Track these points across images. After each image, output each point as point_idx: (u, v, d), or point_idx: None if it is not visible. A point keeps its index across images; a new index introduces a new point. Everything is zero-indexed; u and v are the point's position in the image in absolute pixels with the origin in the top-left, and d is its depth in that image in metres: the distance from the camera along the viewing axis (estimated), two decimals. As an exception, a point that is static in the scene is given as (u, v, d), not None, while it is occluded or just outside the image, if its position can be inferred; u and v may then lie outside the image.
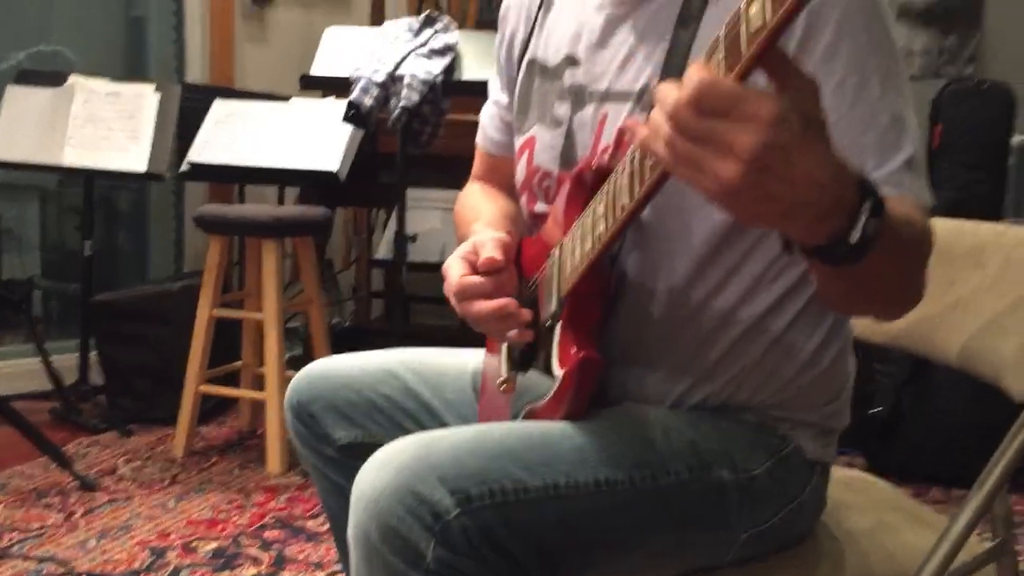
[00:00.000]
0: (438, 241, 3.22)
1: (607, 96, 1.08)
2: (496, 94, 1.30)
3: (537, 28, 1.19)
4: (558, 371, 0.99)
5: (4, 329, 2.90)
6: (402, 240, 2.66)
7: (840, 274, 0.79)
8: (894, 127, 0.95)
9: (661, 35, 1.03)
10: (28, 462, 2.59)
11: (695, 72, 0.69)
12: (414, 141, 2.64)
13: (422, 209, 3.26)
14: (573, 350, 0.97)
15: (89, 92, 2.97)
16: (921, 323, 1.32)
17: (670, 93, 0.70)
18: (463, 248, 1.09)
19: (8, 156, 2.92)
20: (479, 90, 2.69)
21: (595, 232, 0.92)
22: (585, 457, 0.96)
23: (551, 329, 1.02)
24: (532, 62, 1.19)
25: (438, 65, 2.58)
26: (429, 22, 2.70)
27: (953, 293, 1.23)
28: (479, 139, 1.35)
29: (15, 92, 2.97)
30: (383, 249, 3.35)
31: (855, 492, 1.24)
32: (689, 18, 1.01)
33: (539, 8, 1.20)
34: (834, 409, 1.10)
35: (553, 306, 1.01)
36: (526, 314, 1.03)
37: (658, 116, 0.71)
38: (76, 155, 2.90)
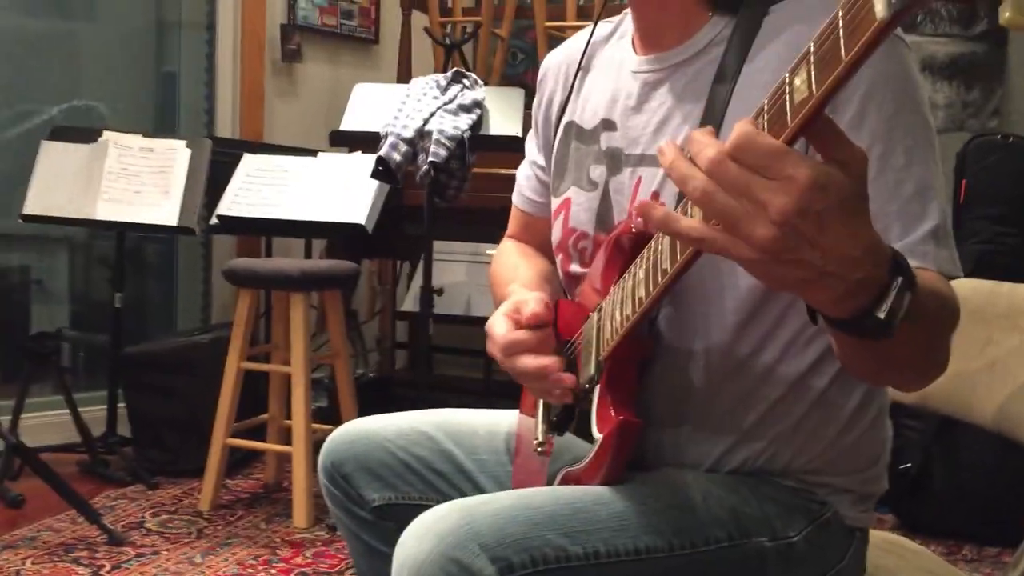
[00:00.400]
0: (463, 293, 3.24)
1: (642, 160, 1.09)
2: (533, 155, 1.32)
3: (575, 91, 1.22)
4: (597, 434, 0.99)
5: (33, 381, 2.92)
6: (428, 293, 2.67)
7: (865, 347, 0.79)
8: (919, 197, 0.95)
9: (697, 99, 1.05)
10: (56, 515, 2.60)
11: (739, 126, 0.68)
12: (441, 195, 2.67)
13: (447, 262, 3.29)
14: (612, 413, 0.97)
15: (123, 148, 3.02)
16: (955, 384, 1.31)
17: (708, 143, 0.69)
18: (505, 307, 1.11)
19: (43, 210, 2.97)
20: (504, 145, 2.74)
21: (635, 296, 0.93)
22: (625, 524, 0.96)
23: (589, 392, 1.03)
24: (570, 124, 1.21)
25: (465, 121, 2.61)
26: (457, 78, 2.74)
27: (988, 354, 1.23)
28: (515, 198, 1.37)
29: (50, 148, 3.03)
30: (409, 301, 3.37)
31: (893, 556, 1.22)
32: (725, 80, 1.02)
33: (577, 71, 1.22)
34: (874, 474, 1.09)
35: (592, 369, 1.02)
36: (569, 378, 1.04)
37: (689, 169, 0.70)
38: (110, 209, 2.94)
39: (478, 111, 2.68)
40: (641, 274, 0.92)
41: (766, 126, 0.70)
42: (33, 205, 2.97)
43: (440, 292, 2.80)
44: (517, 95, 2.77)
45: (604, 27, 1.24)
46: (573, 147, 1.19)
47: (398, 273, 4.16)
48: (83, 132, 3.08)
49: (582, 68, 1.22)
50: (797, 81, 0.67)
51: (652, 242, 0.91)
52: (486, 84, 2.81)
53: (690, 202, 0.75)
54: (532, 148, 1.33)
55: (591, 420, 1.00)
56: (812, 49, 0.66)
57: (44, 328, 3.35)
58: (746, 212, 0.68)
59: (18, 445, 2.51)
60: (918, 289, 0.75)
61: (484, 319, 3.59)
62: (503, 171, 3.14)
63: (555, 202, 1.21)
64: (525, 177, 1.34)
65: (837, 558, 1.06)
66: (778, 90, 0.69)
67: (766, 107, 0.70)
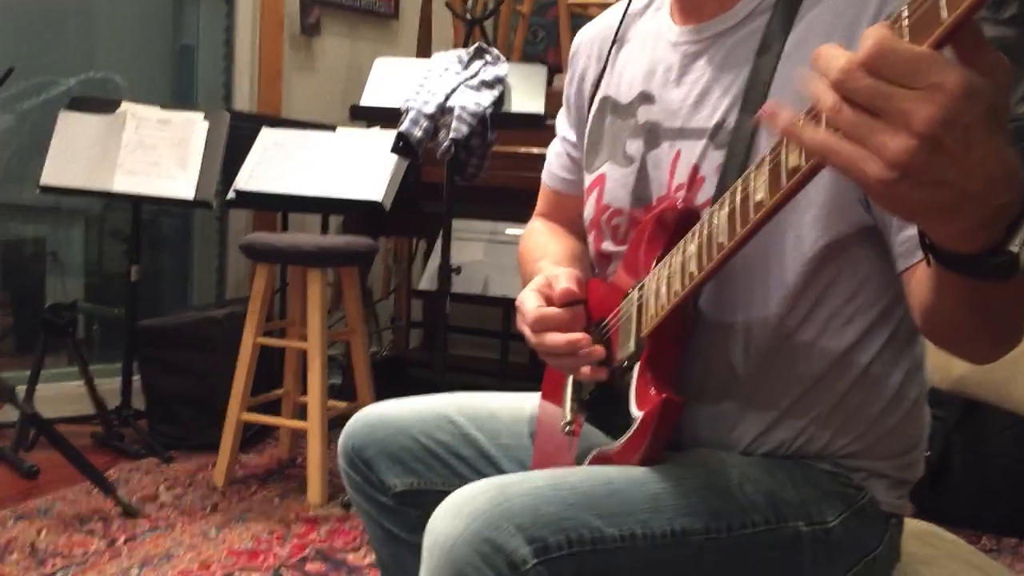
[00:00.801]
0: (480, 273, 3.21)
1: (681, 133, 1.06)
2: (564, 131, 1.29)
3: (609, 65, 1.19)
4: (636, 412, 0.97)
5: (48, 352, 2.91)
6: (446, 271, 2.65)
7: (975, 293, 0.73)
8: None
9: (739, 69, 1.02)
10: (71, 487, 2.59)
11: (874, 32, 0.61)
12: (461, 172, 2.64)
13: (465, 240, 3.26)
14: (652, 391, 0.95)
15: (140, 119, 3.00)
16: (993, 369, 1.29)
17: (837, 56, 0.62)
18: (536, 282, 1.09)
19: (60, 182, 2.95)
20: (526, 123, 2.71)
21: (686, 271, 0.91)
22: (661, 506, 0.94)
23: (628, 370, 1.00)
24: (605, 99, 1.18)
25: (488, 97, 2.58)
26: (479, 54, 2.71)
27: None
28: (544, 176, 1.34)
29: (67, 118, 3.01)
30: (425, 280, 3.35)
31: (927, 545, 1.20)
32: (769, 51, 0.99)
33: (612, 45, 1.19)
34: (911, 459, 1.07)
35: (632, 347, 0.99)
36: (599, 350, 1.01)
37: (819, 87, 0.63)
38: (126, 181, 2.92)
39: (500, 87, 2.64)
40: (693, 249, 0.90)
41: (907, 33, 0.62)
42: (50, 176, 2.95)
43: (458, 271, 2.77)
44: (540, 72, 2.74)
45: (637, 1, 1.21)
46: (608, 122, 1.17)
47: (414, 251, 4.14)
48: (101, 103, 3.06)
49: (617, 42, 1.19)
50: None
51: (706, 216, 0.88)
52: (505, 59, 2.77)
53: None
54: (564, 125, 1.30)
55: (629, 398, 0.98)
56: None
57: (60, 300, 3.35)
58: (883, 125, 0.61)
59: (34, 416, 2.51)
60: None
61: (501, 299, 3.58)
62: (523, 150, 3.11)
63: (588, 178, 1.19)
64: (555, 155, 1.32)
65: (873, 544, 1.03)
66: None
67: (906, 13, 0.62)
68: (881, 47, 0.60)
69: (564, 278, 1.07)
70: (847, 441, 1.03)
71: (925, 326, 0.89)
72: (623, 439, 0.99)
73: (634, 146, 1.12)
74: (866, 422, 1.03)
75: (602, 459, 1.03)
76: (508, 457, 1.23)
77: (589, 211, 1.18)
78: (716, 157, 1.01)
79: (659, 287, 0.96)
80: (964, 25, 0.60)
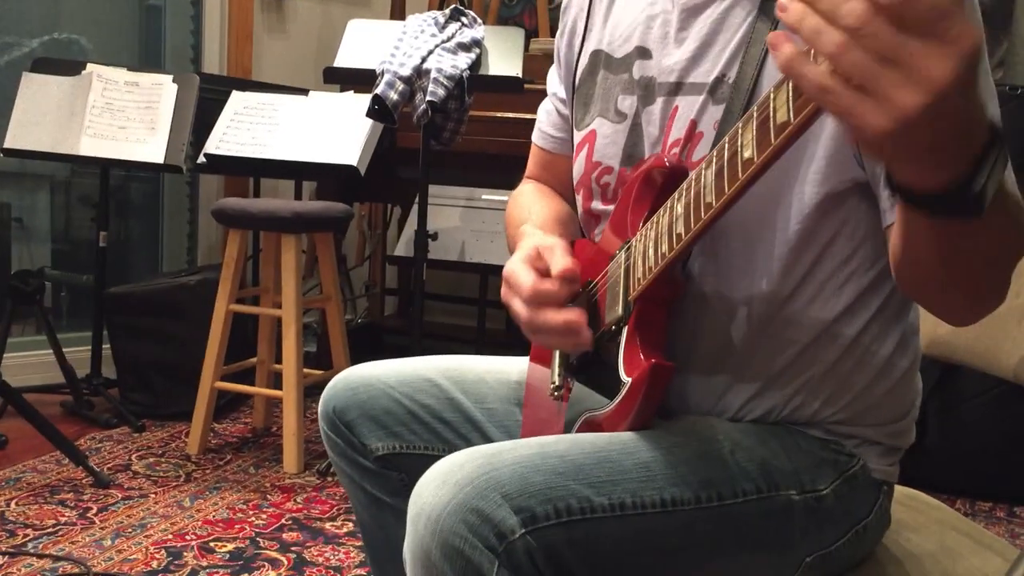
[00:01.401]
0: (457, 239, 3.18)
1: (678, 88, 1.03)
2: (554, 87, 1.26)
3: (602, 18, 1.15)
4: (625, 377, 0.94)
5: (15, 320, 2.85)
6: (423, 238, 2.61)
7: (942, 237, 0.73)
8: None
9: (739, 25, 0.99)
10: (40, 456, 2.55)
11: None
12: (437, 137, 2.60)
13: (441, 206, 3.22)
14: (641, 356, 0.93)
15: (107, 81, 2.92)
16: (980, 334, 1.28)
17: None
18: (524, 252, 1.05)
19: (25, 144, 2.87)
20: (504, 86, 2.67)
21: (673, 232, 0.88)
22: (651, 475, 0.92)
23: (616, 334, 0.98)
24: (596, 53, 1.14)
25: (464, 60, 2.53)
26: (455, 16, 2.66)
27: (1017, 306, 1.19)
28: (534, 136, 1.30)
29: (31, 80, 2.93)
30: (401, 246, 3.31)
31: (914, 512, 1.19)
32: (770, 6, 0.96)
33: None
34: (903, 427, 1.06)
35: (619, 310, 0.97)
36: (588, 333, 0.98)
37: (825, 27, 0.60)
38: (94, 145, 2.85)
39: (477, 50, 2.60)
40: (680, 209, 0.87)
41: None
42: (14, 139, 2.87)
43: (435, 237, 2.73)
44: (517, 35, 2.69)
45: None
46: (601, 76, 1.13)
47: (388, 217, 4.09)
48: (66, 64, 2.97)
49: None
50: None
51: (694, 175, 0.85)
52: (482, 21, 2.72)
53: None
54: (554, 80, 1.26)
55: (618, 363, 0.96)
56: None
57: (26, 267, 3.28)
58: (896, 76, 0.59)
59: (1, 384, 2.45)
60: (1005, 169, 0.68)
61: (478, 265, 3.54)
62: (500, 114, 3.07)
63: (578, 135, 1.15)
64: (545, 112, 1.28)
65: (864, 512, 1.02)
66: None
67: None
68: None
69: (560, 252, 1.02)
70: (836, 409, 1.01)
71: (898, 277, 0.88)
72: (612, 404, 0.96)
73: (627, 102, 1.08)
74: (855, 391, 1.01)
75: (591, 424, 1.01)
76: (493, 422, 1.20)
77: (578, 169, 1.14)
78: (715, 112, 0.98)
79: (646, 248, 0.93)
80: None
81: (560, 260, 1.00)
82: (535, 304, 0.99)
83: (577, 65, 1.17)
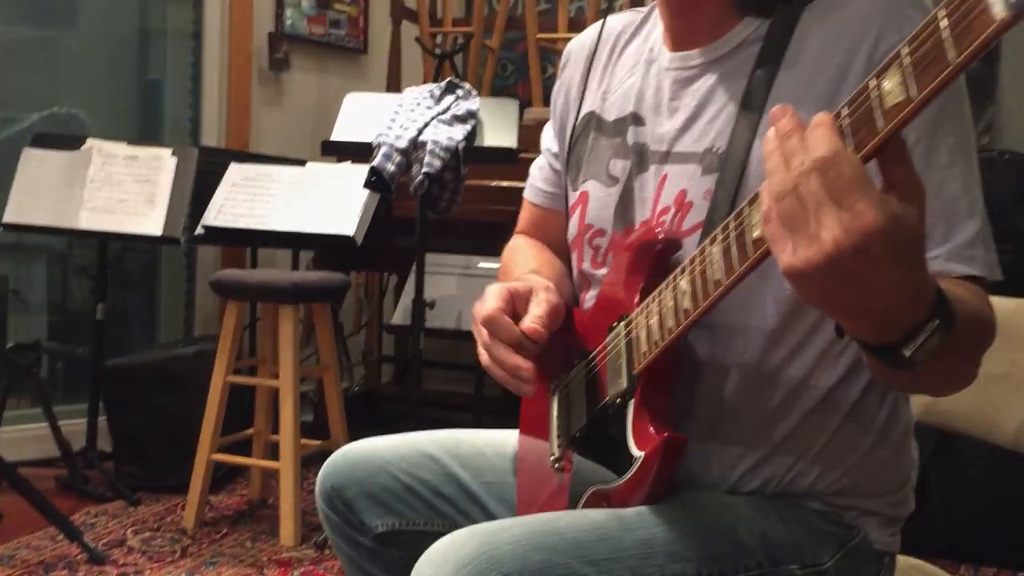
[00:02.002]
0: (453, 307, 3.18)
1: (669, 157, 1.05)
2: (548, 142, 1.28)
3: (599, 80, 1.17)
4: (637, 452, 0.94)
5: (11, 394, 2.84)
6: (420, 306, 2.62)
7: (889, 372, 0.78)
8: (963, 196, 0.93)
9: (729, 97, 1.01)
10: (35, 532, 2.52)
11: (829, 137, 0.67)
12: (433, 206, 2.62)
13: (437, 275, 3.23)
14: (652, 430, 0.93)
15: (107, 156, 2.95)
16: (980, 403, 1.28)
17: (800, 148, 0.68)
18: (514, 283, 1.07)
19: (24, 219, 2.90)
20: (498, 157, 2.70)
21: (679, 308, 0.89)
22: (652, 551, 0.91)
23: (621, 407, 0.98)
24: (590, 115, 1.17)
25: (460, 131, 2.57)
26: (451, 88, 2.70)
27: (1015, 376, 1.20)
28: (527, 192, 1.32)
29: (31, 155, 2.96)
30: (398, 314, 3.31)
31: (917, 582, 1.19)
32: (761, 80, 0.99)
33: (606, 59, 1.17)
34: (901, 496, 1.05)
35: (624, 383, 0.97)
36: (531, 388, 1.02)
37: (775, 162, 0.70)
38: (92, 218, 2.88)
39: (472, 122, 2.64)
40: (685, 285, 0.88)
41: (849, 130, 0.68)
42: (13, 213, 2.89)
43: (432, 305, 2.74)
44: (512, 106, 2.73)
45: (631, 16, 1.19)
46: (592, 138, 1.15)
47: (384, 285, 4.11)
48: (66, 139, 3.01)
49: (611, 57, 1.17)
50: (887, 85, 0.64)
51: (697, 252, 0.87)
52: (476, 93, 2.76)
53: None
54: (548, 135, 1.28)
55: (627, 437, 0.96)
56: (905, 52, 0.63)
57: (22, 340, 3.27)
58: (808, 228, 0.67)
59: (-4, 460, 2.44)
60: (957, 325, 0.74)
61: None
62: (495, 183, 3.11)
63: (572, 195, 1.17)
64: (539, 168, 1.30)
65: (867, 585, 1.02)
66: (861, 94, 0.67)
67: (846, 110, 0.68)
68: (830, 157, 0.66)
69: (542, 309, 1.04)
70: (836, 477, 1.01)
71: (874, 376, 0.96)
72: (624, 478, 0.96)
73: (619, 166, 1.10)
74: (854, 458, 1.01)
75: (600, 498, 1.00)
76: (493, 495, 1.20)
77: (572, 229, 1.16)
78: (705, 182, 1.00)
79: (650, 322, 0.94)
80: (893, 138, 0.66)
81: (535, 310, 1.03)
82: (488, 328, 1.03)
83: (573, 124, 1.19)
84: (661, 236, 1.00)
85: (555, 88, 1.26)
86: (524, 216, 1.34)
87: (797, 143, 0.69)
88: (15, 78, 3.37)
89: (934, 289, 0.73)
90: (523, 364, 1.01)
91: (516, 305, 1.06)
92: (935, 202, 0.91)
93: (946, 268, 0.91)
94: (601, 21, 1.20)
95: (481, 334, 1.06)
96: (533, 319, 1.03)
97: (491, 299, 1.05)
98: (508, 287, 1.06)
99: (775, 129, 0.71)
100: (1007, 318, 1.15)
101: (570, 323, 1.12)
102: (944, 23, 0.60)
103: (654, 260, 1.00)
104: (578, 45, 1.24)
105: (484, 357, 1.07)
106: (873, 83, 0.66)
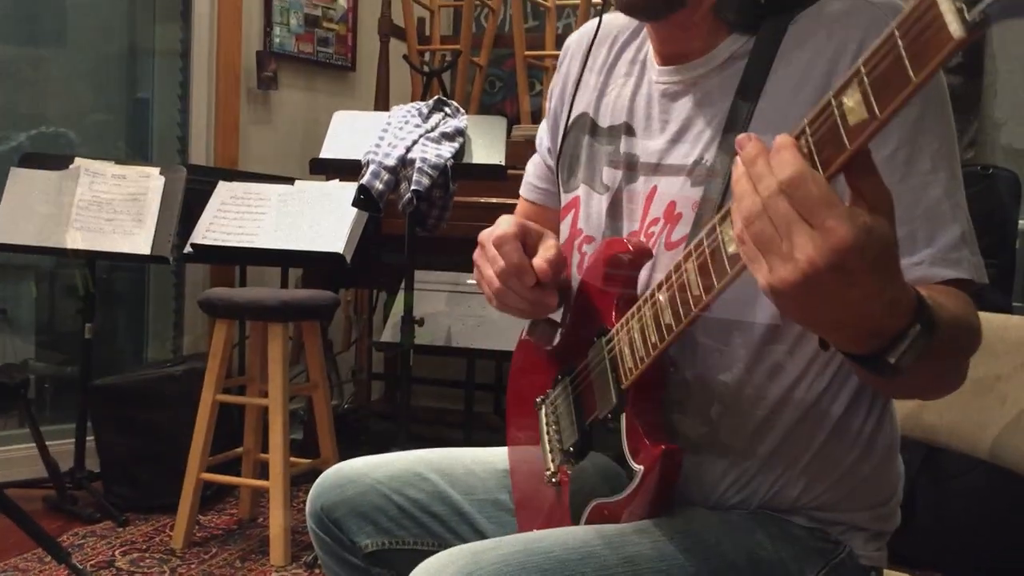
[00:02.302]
0: (443, 324, 3.19)
1: (658, 169, 1.06)
2: (543, 138, 1.28)
3: (595, 83, 1.18)
4: (636, 466, 0.94)
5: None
6: (410, 323, 2.62)
7: (877, 378, 0.79)
8: (946, 200, 0.93)
9: (716, 111, 1.02)
10: (23, 554, 2.50)
11: (792, 156, 0.68)
12: (422, 224, 2.63)
13: (426, 291, 3.24)
14: (648, 443, 0.93)
15: (94, 175, 2.95)
16: (964, 418, 1.29)
17: (766, 173, 0.70)
18: (513, 225, 1.09)
19: (11, 239, 2.89)
20: (487, 174, 2.71)
21: (661, 323, 0.89)
22: (638, 569, 0.91)
23: (610, 422, 0.98)
24: (583, 115, 1.17)
25: (448, 149, 2.58)
26: (439, 106, 2.71)
27: (999, 390, 1.21)
28: (522, 189, 1.33)
29: (19, 175, 2.96)
30: (388, 332, 3.31)
31: (904, 597, 1.19)
32: (747, 91, 1.00)
33: (604, 58, 1.18)
34: (887, 511, 1.06)
35: (613, 399, 0.98)
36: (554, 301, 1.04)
37: (743, 187, 0.71)
38: (81, 238, 2.87)
39: (461, 139, 2.64)
40: (664, 299, 0.88)
41: (813, 148, 0.68)
42: (1, 234, 2.89)
43: (421, 323, 2.74)
44: (499, 123, 2.74)
45: (628, 21, 1.17)
46: (586, 142, 1.16)
47: (374, 303, 4.10)
48: (54, 159, 3.01)
49: (608, 62, 1.17)
50: (849, 102, 0.64)
51: (673, 267, 0.87)
52: (464, 111, 2.77)
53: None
54: (543, 131, 1.29)
55: (624, 452, 0.96)
56: (864, 70, 0.63)
57: (9, 360, 3.26)
58: (781, 249, 0.68)
59: (-17, 482, 2.42)
60: (939, 329, 0.75)
61: (464, 350, 3.51)
62: (484, 200, 3.11)
63: (565, 197, 1.18)
64: (534, 165, 1.31)
65: (854, 600, 1.02)
66: (823, 111, 0.67)
67: (808, 129, 0.69)
68: (796, 179, 0.68)
69: (550, 252, 1.07)
70: (821, 491, 1.02)
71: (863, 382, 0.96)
72: (626, 492, 0.96)
73: (611, 175, 1.11)
74: (839, 471, 1.02)
75: (603, 513, 1.00)
76: (483, 514, 1.20)
77: (564, 233, 1.17)
78: (693, 194, 1.01)
79: (632, 338, 0.95)
80: (859, 154, 0.67)
81: (545, 252, 1.06)
82: (499, 246, 1.06)
83: (566, 121, 1.20)
84: (629, 248, 1.01)
85: (552, 81, 1.27)
86: (518, 212, 1.35)
87: (763, 166, 0.70)
88: (2, 97, 3.37)
89: (913, 296, 0.73)
90: (546, 296, 1.06)
91: (526, 240, 1.09)
92: (917, 207, 0.92)
93: (931, 272, 0.91)
94: (598, 17, 1.20)
95: (487, 251, 1.08)
96: (543, 259, 1.06)
97: (505, 223, 1.08)
98: (522, 221, 1.10)
99: (740, 156, 0.72)
100: (992, 333, 1.16)
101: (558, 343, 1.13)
102: (900, 41, 0.61)
103: (627, 273, 1.01)
104: (576, 40, 1.24)
105: (484, 274, 1.10)
106: (834, 101, 0.66)
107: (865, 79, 0.63)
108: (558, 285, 1.10)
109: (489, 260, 1.08)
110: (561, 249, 1.09)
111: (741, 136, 0.72)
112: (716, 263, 0.81)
